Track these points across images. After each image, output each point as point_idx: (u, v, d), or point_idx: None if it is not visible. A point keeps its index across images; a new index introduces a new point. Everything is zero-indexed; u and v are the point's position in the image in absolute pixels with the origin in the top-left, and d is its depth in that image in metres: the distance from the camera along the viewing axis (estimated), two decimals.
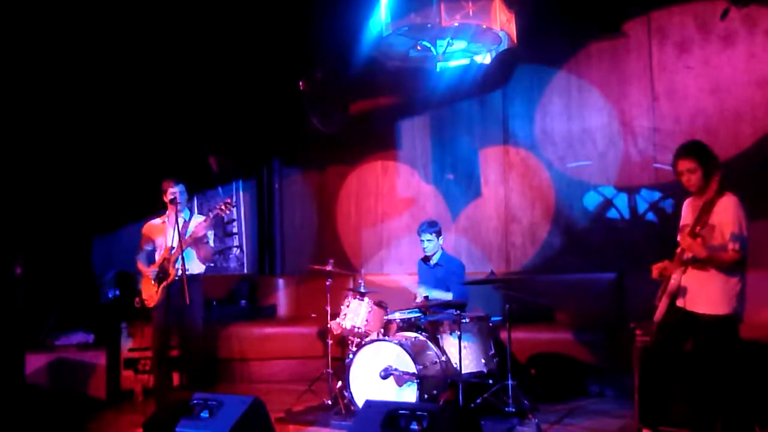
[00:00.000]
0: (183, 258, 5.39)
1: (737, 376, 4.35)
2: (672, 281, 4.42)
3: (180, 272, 5.41)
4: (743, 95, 6.63)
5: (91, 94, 7.49)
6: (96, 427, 5.77)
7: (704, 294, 4.31)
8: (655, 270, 4.54)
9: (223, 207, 5.65)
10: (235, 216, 9.29)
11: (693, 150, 4.44)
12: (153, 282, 5.72)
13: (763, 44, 6.55)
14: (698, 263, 4.30)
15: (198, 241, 5.76)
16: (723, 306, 4.26)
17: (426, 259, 6.56)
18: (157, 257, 5.85)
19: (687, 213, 4.56)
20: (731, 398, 4.30)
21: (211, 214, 5.69)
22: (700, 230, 4.21)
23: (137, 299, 5.91)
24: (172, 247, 5.65)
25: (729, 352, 4.29)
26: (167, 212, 5.93)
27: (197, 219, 5.96)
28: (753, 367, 4.66)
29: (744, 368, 4.52)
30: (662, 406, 4.59)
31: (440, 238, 6.47)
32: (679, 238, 4.41)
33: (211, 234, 5.93)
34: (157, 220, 5.99)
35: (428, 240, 6.40)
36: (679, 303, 4.42)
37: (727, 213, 4.23)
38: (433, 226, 6.45)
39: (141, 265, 5.94)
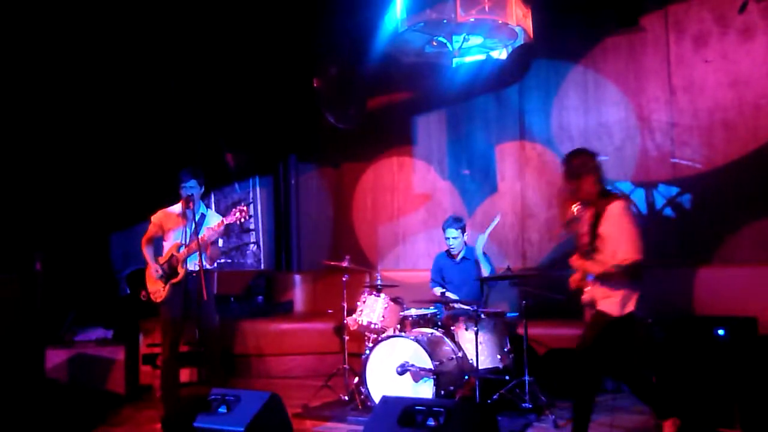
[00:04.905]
0: (201, 254, 5.32)
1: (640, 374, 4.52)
2: (585, 295, 4.48)
3: (197, 268, 5.35)
4: (762, 88, 6.57)
5: (110, 92, 7.54)
6: (115, 421, 5.82)
7: (602, 293, 4.36)
8: (572, 282, 4.61)
9: (238, 215, 5.42)
10: (252, 212, 9.31)
11: (566, 159, 4.50)
12: (159, 279, 5.61)
13: None
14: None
15: (208, 244, 5.63)
16: (611, 306, 4.31)
17: (450, 255, 6.53)
18: (166, 248, 5.69)
19: (584, 221, 4.54)
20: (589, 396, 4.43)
21: (225, 221, 5.48)
22: (591, 246, 4.31)
23: (143, 292, 5.77)
24: (182, 245, 5.50)
25: (615, 349, 4.39)
26: (181, 205, 5.63)
27: (214, 218, 5.77)
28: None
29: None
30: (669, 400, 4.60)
31: (465, 234, 6.44)
32: (573, 257, 4.53)
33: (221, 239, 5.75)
34: (174, 209, 5.72)
35: (453, 237, 6.38)
36: (592, 311, 4.47)
37: (612, 222, 4.25)
38: (459, 222, 6.42)
39: (148, 256, 5.71)
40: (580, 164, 4.42)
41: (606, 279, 4.31)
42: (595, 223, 4.30)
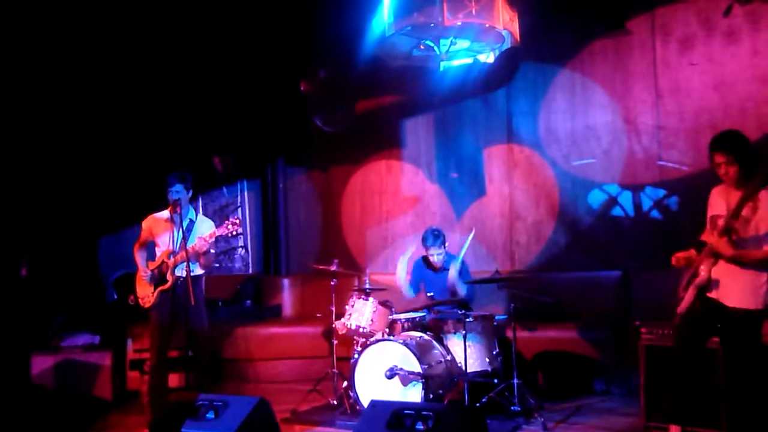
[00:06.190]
0: (188, 260, 5.28)
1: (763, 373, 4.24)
2: (702, 273, 4.29)
3: (184, 274, 5.32)
4: (747, 91, 6.62)
5: (98, 94, 7.51)
6: (102, 427, 5.79)
7: (735, 287, 4.18)
8: (675, 259, 4.46)
9: (231, 227, 5.40)
10: (240, 216, 9.27)
11: (729, 142, 4.34)
12: (148, 283, 5.59)
13: (767, 40, 6.52)
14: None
15: (201, 254, 5.57)
16: (753, 300, 4.14)
17: (431, 265, 6.43)
18: (158, 253, 5.66)
19: (718, 203, 4.40)
20: (757, 396, 4.18)
21: (217, 232, 5.45)
22: (732, 226, 4.14)
23: (131, 297, 5.75)
24: (173, 252, 5.47)
25: (756, 347, 4.20)
26: (170, 210, 5.58)
27: (204, 224, 5.75)
28: None
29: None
30: (689, 404, 4.49)
31: (447, 244, 6.34)
32: (706, 232, 4.34)
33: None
34: (162, 214, 5.68)
35: (438, 254, 6.26)
36: (711, 294, 4.27)
37: (765, 209, 4.11)
38: (439, 238, 6.25)
39: (139, 260, 5.69)
40: (738, 144, 4.30)
41: (741, 265, 4.15)
42: (740, 206, 4.11)
